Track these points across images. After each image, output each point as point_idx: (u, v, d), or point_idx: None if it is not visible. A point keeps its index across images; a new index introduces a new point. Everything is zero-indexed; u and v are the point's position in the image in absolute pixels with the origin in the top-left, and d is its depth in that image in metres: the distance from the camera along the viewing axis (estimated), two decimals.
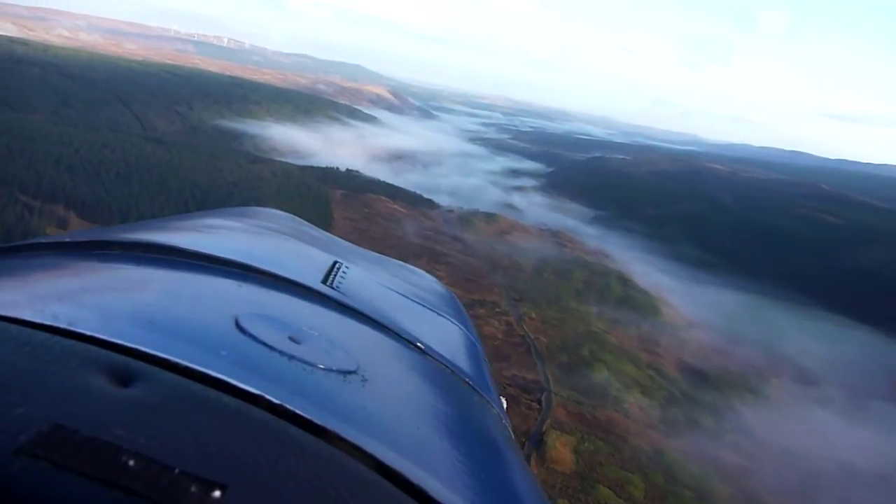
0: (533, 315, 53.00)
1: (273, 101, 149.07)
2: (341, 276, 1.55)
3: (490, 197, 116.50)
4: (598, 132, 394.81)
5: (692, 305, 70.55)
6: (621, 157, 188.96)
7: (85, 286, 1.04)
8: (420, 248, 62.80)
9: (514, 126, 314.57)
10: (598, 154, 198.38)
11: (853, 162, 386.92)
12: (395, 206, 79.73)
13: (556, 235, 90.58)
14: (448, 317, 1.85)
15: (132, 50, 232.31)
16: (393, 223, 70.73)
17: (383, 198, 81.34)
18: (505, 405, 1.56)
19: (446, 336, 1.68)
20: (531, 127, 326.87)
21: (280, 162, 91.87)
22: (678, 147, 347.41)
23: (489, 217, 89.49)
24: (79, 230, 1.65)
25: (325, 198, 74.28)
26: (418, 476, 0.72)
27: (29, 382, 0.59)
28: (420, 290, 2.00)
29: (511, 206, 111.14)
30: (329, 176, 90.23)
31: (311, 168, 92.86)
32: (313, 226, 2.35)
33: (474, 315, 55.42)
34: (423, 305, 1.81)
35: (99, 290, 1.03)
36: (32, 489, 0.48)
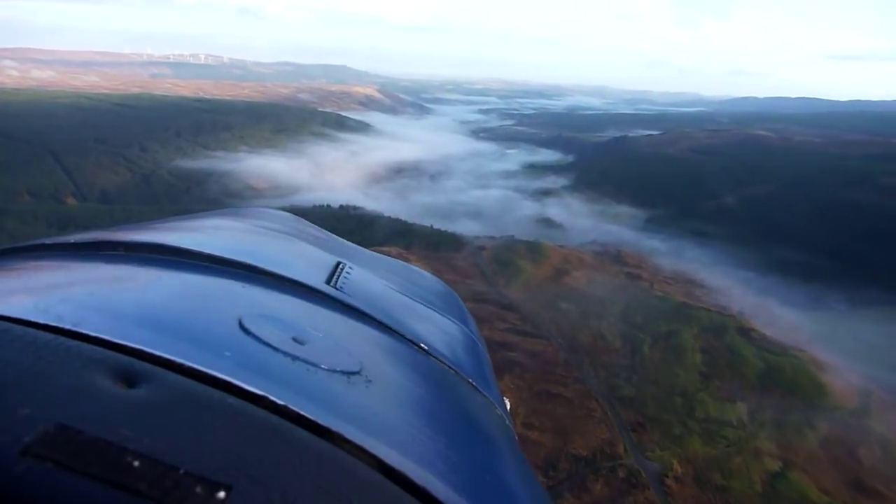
0: (676, 466, 32.00)
1: (248, 122, 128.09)
2: (345, 277, 1.55)
3: (520, 212, 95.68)
4: (599, 103, 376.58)
5: (848, 357, 49.30)
6: (647, 133, 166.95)
7: (89, 287, 1.04)
8: None
9: (514, 109, 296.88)
10: (615, 133, 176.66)
11: (867, 102, 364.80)
12: (412, 261, 58.37)
13: (620, 261, 69.27)
14: (450, 317, 1.87)
15: (92, 83, 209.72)
16: None
17: (393, 251, 60.19)
18: (508, 405, 1.56)
19: (449, 336, 1.69)
20: (532, 108, 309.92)
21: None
22: (682, 109, 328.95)
23: (532, 249, 67.94)
24: (82, 232, 1.24)
25: None
26: (422, 477, 0.72)
27: (34, 383, 0.60)
28: (423, 290, 2.00)
29: (549, 222, 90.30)
30: (318, 220, 68.87)
31: (294, 211, 71.75)
32: (316, 226, 2.33)
33: (591, 499, 34.50)
34: (426, 305, 1.83)
35: (103, 291, 1.03)
36: (37, 490, 0.48)
